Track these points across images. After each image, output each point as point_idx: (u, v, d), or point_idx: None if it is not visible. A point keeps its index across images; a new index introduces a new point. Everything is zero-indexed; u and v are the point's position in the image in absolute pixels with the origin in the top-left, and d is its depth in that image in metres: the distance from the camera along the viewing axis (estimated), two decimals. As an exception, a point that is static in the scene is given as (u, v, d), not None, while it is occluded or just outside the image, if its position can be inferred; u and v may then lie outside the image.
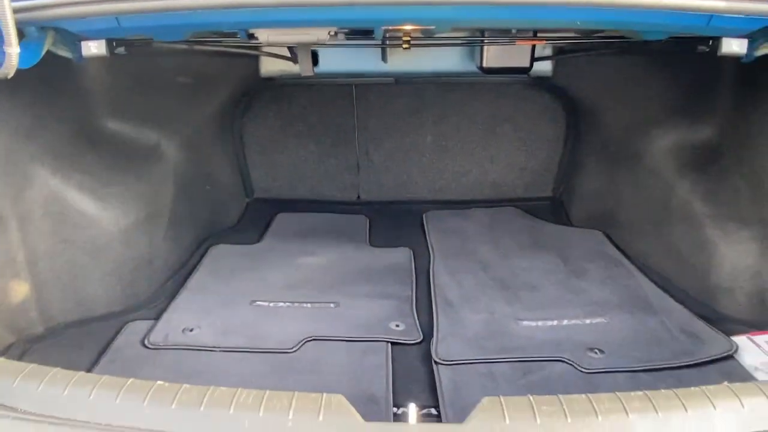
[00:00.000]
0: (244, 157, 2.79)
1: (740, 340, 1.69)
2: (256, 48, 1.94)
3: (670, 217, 2.11)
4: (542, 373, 1.59)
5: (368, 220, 2.69)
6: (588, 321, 1.83)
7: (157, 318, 1.85)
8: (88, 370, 1.57)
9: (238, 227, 2.65)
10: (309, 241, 2.48)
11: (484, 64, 2.04)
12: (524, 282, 2.10)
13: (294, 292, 2.03)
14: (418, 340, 1.76)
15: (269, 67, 2.40)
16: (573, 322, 1.82)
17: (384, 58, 2.21)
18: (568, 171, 2.68)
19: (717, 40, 1.40)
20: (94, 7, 1.26)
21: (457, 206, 2.80)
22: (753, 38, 1.38)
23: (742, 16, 1.22)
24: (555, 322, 1.82)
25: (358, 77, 2.49)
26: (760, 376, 1.55)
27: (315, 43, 1.41)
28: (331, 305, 1.95)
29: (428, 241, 2.47)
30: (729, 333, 1.74)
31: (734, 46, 1.37)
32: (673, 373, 1.57)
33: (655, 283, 2.05)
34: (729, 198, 1.96)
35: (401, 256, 2.35)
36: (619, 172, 2.35)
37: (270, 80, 2.49)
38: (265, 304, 1.95)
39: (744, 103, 1.97)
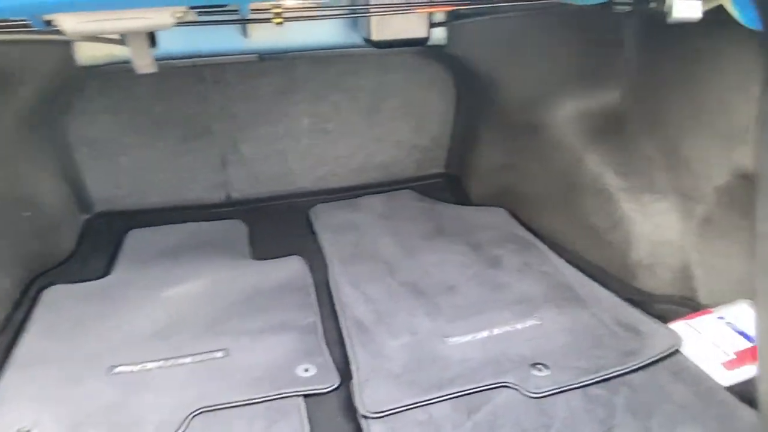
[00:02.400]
0: (74, 165, 2.19)
1: (678, 326, 1.58)
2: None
3: (581, 191, 1.97)
4: (488, 407, 1.36)
5: (246, 226, 2.26)
6: (519, 326, 1.63)
7: (-27, 418, 1.33)
8: None
9: (77, 256, 2.08)
10: (174, 263, 2.00)
11: (374, 37, 1.69)
12: (438, 282, 1.86)
13: (166, 343, 1.59)
14: (336, 386, 1.45)
15: (88, 52, 1.83)
16: (504, 329, 1.61)
17: (245, 33, 1.76)
18: (463, 145, 2.45)
19: (660, 3, 1.18)
20: None
21: (345, 194, 2.47)
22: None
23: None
24: (486, 333, 1.60)
25: (210, 57, 2.01)
26: (706, 367, 1.45)
27: (154, 28, 0.98)
28: (218, 354, 1.55)
29: (320, 243, 2.12)
30: (659, 315, 1.65)
31: (687, 11, 1.16)
32: (624, 380, 1.42)
33: (572, 264, 1.91)
34: (642, 169, 1.84)
35: (293, 267, 1.98)
36: (521, 144, 2.16)
37: (93, 68, 1.91)
38: (129, 368, 1.50)
39: (648, 66, 1.83)
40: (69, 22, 0.90)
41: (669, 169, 1.77)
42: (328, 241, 2.13)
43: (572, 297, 1.75)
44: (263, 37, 1.77)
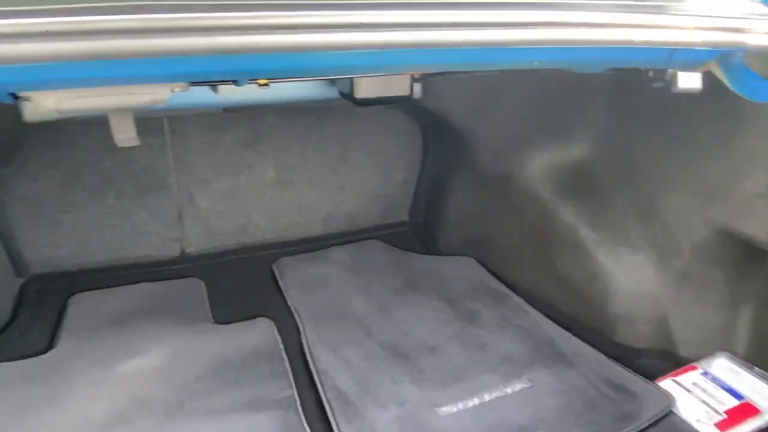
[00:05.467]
0: (8, 224, 1.97)
1: (666, 384, 1.58)
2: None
3: (555, 244, 1.96)
4: (493, 487, 1.29)
5: (203, 284, 2.10)
6: (510, 390, 1.57)
7: None
8: None
9: (13, 327, 1.85)
10: (127, 331, 1.82)
11: (358, 95, 1.62)
12: (419, 343, 1.78)
13: (126, 430, 1.41)
14: (325, 473, 1.33)
15: (37, 109, 1.64)
16: (495, 395, 1.55)
17: (215, 88, 1.65)
18: (430, 193, 2.42)
19: (662, 72, 1.19)
20: None
21: (310, 245, 2.36)
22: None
23: (707, 48, 1.01)
24: (476, 401, 1.53)
25: (173, 110, 1.87)
26: (700, 428, 1.44)
27: (150, 104, 0.86)
28: (188, 442, 1.39)
29: (288, 302, 2.00)
30: (643, 371, 1.64)
31: (690, 82, 1.17)
32: (624, 448, 1.39)
33: (550, 317, 1.89)
34: (616, 222, 1.86)
35: (261, 332, 1.84)
36: (492, 194, 2.15)
37: (41, 124, 1.73)
38: (87, 466, 1.31)
39: (618, 123, 1.86)
40: (49, 100, 0.77)
41: (644, 223, 1.80)
42: (296, 299, 2.01)
43: (556, 354, 1.71)
44: (231, 90, 1.66)
